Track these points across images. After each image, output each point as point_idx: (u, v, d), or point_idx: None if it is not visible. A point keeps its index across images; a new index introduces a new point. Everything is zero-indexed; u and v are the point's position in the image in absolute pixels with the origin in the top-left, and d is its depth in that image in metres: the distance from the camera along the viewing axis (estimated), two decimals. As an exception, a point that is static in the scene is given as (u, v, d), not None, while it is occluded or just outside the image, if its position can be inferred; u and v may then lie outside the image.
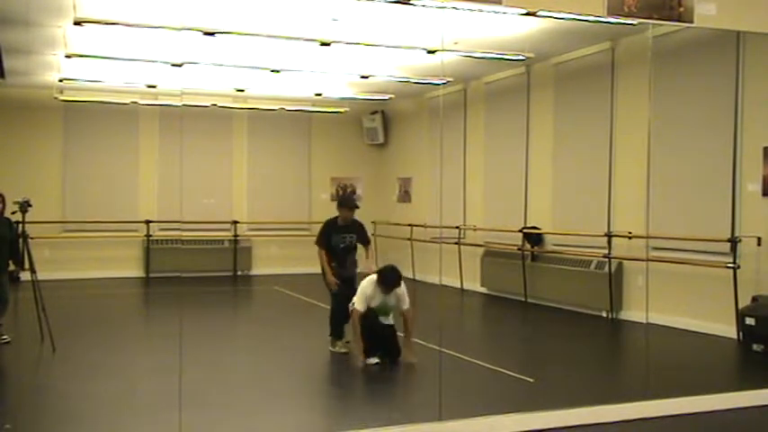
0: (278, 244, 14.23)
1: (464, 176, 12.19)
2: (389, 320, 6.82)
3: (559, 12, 5.75)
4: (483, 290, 11.55)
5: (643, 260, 8.60)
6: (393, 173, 14.62)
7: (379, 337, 6.67)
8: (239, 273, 13.95)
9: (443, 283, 11.22)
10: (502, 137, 11.60)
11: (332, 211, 15.10)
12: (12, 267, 7.52)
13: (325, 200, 14.18)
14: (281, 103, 13.69)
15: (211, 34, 7.79)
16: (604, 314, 9.31)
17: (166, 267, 13.03)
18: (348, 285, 7.17)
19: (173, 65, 9.85)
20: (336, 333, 7.19)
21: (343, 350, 7.11)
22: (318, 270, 7.35)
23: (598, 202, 9.48)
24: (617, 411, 5.13)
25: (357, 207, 7.49)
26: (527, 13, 5.80)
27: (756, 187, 7.61)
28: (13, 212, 7.39)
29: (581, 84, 9.97)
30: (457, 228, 11.78)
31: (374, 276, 6.72)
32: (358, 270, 7.42)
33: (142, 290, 12.62)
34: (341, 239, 7.31)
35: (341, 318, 7.16)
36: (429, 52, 9.00)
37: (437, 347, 7.14)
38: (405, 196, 14.05)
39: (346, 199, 7.58)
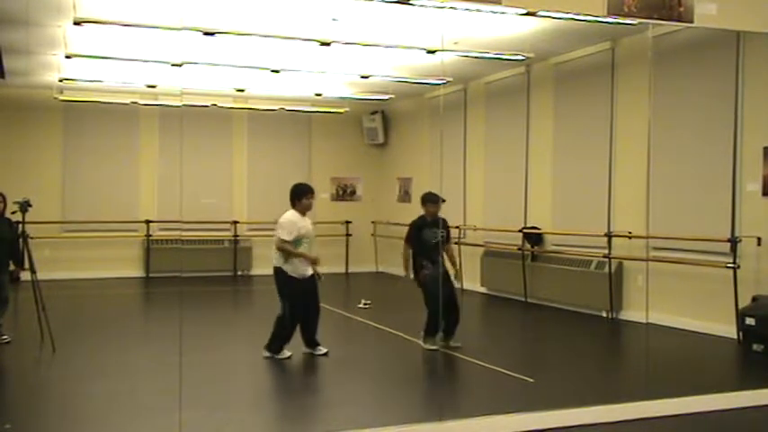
0: (278, 244, 14.23)
1: (464, 176, 12.19)
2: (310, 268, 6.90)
3: (559, 12, 5.75)
4: (483, 290, 11.55)
5: (643, 260, 8.61)
6: (393, 173, 14.63)
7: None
8: (239, 273, 13.95)
9: (443, 283, 11.21)
10: (502, 137, 11.60)
11: (333, 210, 15.16)
12: (12, 267, 7.53)
13: (325, 200, 14.17)
14: (281, 103, 13.69)
15: (211, 34, 7.78)
16: (604, 314, 9.31)
17: (166, 267, 13.05)
18: (442, 282, 6.99)
19: (173, 65, 9.86)
20: (432, 331, 7.17)
21: (434, 347, 7.14)
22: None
23: (598, 202, 9.48)
24: (617, 411, 5.13)
25: (443, 200, 7.43)
26: (527, 13, 5.81)
27: (756, 187, 7.61)
28: (13, 212, 7.39)
29: (581, 84, 9.97)
30: (457, 228, 11.77)
31: (290, 211, 6.87)
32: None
33: (142, 290, 12.62)
34: (433, 234, 7.27)
35: (438, 316, 7.07)
36: (429, 52, 9.00)
37: (437, 347, 7.15)
38: (405, 196, 14.05)
39: (431, 194, 7.52)
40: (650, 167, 8.05)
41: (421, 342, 7.34)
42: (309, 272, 6.91)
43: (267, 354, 6.87)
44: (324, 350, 7.00)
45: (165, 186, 13.22)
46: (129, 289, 12.50)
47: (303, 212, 6.92)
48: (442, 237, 7.33)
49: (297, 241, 6.79)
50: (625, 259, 9.10)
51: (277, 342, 6.88)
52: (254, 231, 14.06)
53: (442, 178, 11.91)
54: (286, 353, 6.86)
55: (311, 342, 7.03)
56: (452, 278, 7.47)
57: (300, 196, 6.93)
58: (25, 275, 7.45)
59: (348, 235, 14.44)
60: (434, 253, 7.21)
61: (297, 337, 6.97)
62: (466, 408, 5.44)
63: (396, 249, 13.33)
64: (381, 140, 14.86)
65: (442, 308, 7.01)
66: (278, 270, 6.85)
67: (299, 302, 6.87)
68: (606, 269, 9.21)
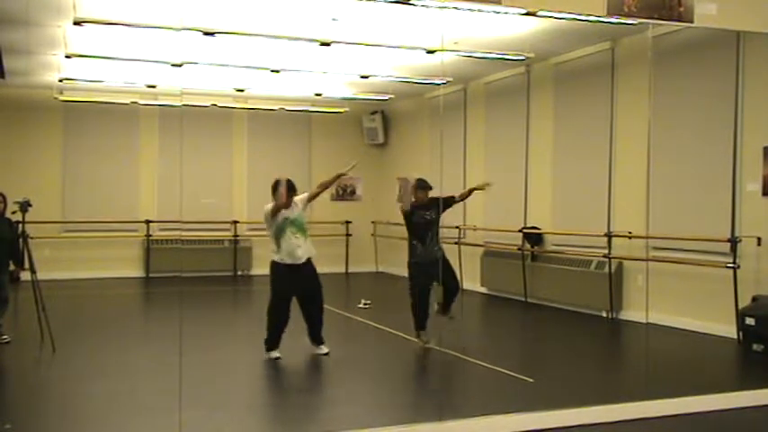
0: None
1: (464, 176, 12.18)
2: (307, 253, 6.87)
3: (559, 12, 5.75)
4: (483, 290, 11.55)
5: (643, 260, 8.61)
6: (393, 173, 14.60)
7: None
8: (239, 273, 13.95)
9: (443, 283, 11.21)
10: (502, 137, 11.60)
11: (333, 210, 15.14)
12: (12, 267, 7.53)
13: (326, 200, 14.16)
14: (281, 103, 13.70)
15: (211, 34, 7.79)
16: (604, 314, 9.31)
17: (166, 267, 13.05)
18: (430, 273, 7.12)
19: (173, 65, 9.86)
20: (421, 325, 7.28)
21: (426, 343, 7.24)
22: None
23: (598, 202, 9.48)
24: (617, 411, 5.13)
25: (431, 188, 7.54)
26: (527, 13, 5.80)
27: (756, 187, 7.61)
28: (14, 212, 7.39)
29: (581, 84, 9.97)
30: (457, 228, 11.77)
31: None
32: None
33: (142, 290, 12.62)
34: (420, 216, 7.41)
35: (424, 308, 7.24)
36: (429, 52, 9.00)
37: (437, 348, 7.15)
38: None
39: (419, 180, 7.65)
40: (650, 167, 8.04)
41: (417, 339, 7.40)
42: (302, 258, 6.84)
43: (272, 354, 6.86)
44: (325, 350, 6.98)
45: (165, 186, 13.21)
46: (129, 289, 12.50)
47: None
48: (432, 217, 7.46)
49: (279, 228, 6.78)
50: (625, 259, 9.10)
51: (266, 339, 6.86)
52: (254, 231, 14.03)
53: (441, 178, 11.91)
54: (274, 354, 6.79)
55: (315, 337, 6.99)
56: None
57: (273, 191, 6.95)
58: (25, 275, 7.45)
59: (348, 235, 14.45)
60: (423, 233, 7.38)
61: (295, 339, 6.97)
62: (466, 408, 5.44)
63: (396, 249, 13.34)
64: (381, 140, 14.86)
65: (444, 289, 7.31)
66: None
67: (285, 293, 6.82)
68: (606, 269, 9.21)
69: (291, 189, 6.96)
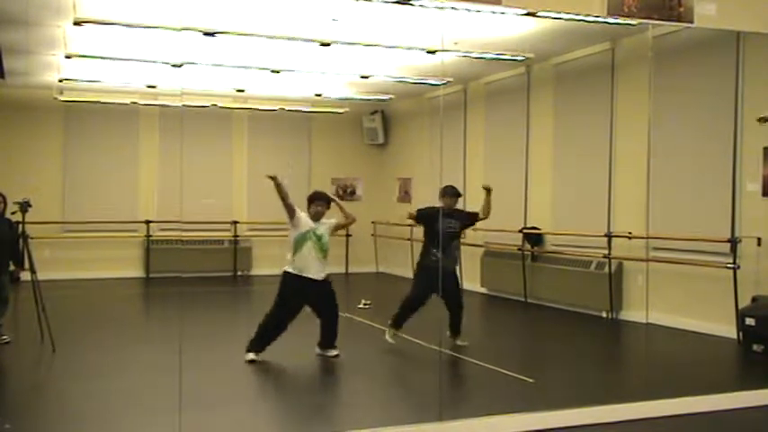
0: (278, 244, 14.17)
1: (464, 176, 12.18)
2: (322, 272, 6.75)
3: (559, 12, 5.76)
4: (483, 290, 11.54)
5: (643, 260, 8.61)
6: (393, 173, 14.62)
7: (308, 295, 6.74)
8: (239, 273, 13.95)
9: (443, 283, 11.20)
10: (502, 137, 11.60)
11: (333, 210, 15.12)
12: (12, 268, 7.53)
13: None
14: (281, 103, 13.70)
15: (211, 34, 7.79)
16: (604, 314, 9.31)
17: (166, 267, 13.04)
18: (437, 282, 6.90)
19: (172, 65, 9.86)
20: (399, 324, 7.31)
21: (391, 340, 7.32)
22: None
23: (598, 202, 9.48)
24: (617, 411, 5.13)
25: (460, 195, 7.44)
26: (527, 14, 5.80)
27: (756, 187, 7.61)
28: (13, 213, 7.39)
29: (581, 84, 9.97)
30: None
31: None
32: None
33: (142, 290, 12.62)
34: (447, 224, 7.25)
35: (413, 307, 7.25)
36: (429, 52, 9.01)
37: (437, 347, 7.15)
38: (405, 196, 14.04)
39: (449, 187, 7.49)
40: (650, 167, 8.05)
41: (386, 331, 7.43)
42: (316, 274, 6.73)
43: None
44: (334, 352, 6.88)
45: (165, 186, 13.22)
46: (129, 289, 12.50)
47: (313, 218, 6.86)
48: (457, 228, 7.38)
49: (302, 237, 6.72)
50: (625, 259, 9.10)
51: (253, 341, 6.76)
52: (254, 231, 14.07)
53: (441, 179, 11.89)
54: (250, 356, 6.67)
55: (326, 345, 6.91)
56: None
57: (309, 202, 6.93)
58: (25, 275, 7.45)
59: (348, 235, 14.43)
60: (445, 243, 7.19)
61: (296, 339, 6.96)
62: (466, 408, 5.44)
63: (396, 249, 13.35)
64: (381, 140, 14.86)
65: (447, 306, 7.15)
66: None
67: (288, 308, 6.72)
68: (606, 269, 9.21)
69: (327, 203, 6.98)
